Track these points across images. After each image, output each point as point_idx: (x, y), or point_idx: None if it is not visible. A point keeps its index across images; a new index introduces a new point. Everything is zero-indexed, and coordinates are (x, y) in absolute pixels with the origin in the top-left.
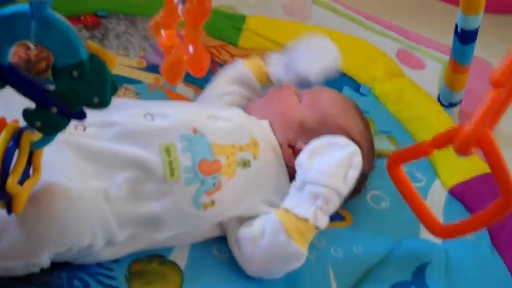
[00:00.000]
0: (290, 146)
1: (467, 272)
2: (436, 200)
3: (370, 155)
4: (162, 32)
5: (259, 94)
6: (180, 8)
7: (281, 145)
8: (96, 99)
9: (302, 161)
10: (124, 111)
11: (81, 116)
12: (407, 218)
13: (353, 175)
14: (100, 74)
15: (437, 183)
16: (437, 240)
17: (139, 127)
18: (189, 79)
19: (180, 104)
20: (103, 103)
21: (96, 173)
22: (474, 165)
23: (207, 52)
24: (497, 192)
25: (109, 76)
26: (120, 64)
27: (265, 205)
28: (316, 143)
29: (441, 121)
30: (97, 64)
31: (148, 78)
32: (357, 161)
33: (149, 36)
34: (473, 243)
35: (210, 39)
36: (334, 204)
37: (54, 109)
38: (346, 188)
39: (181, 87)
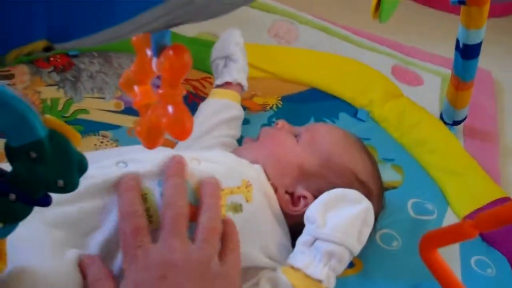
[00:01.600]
0: (287, 192)
1: None
2: None
3: (379, 195)
4: (136, 88)
5: (249, 139)
6: (154, 61)
7: (276, 191)
8: (60, 182)
9: (313, 215)
10: (95, 163)
11: (45, 202)
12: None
13: (367, 233)
14: (63, 153)
15: (449, 214)
16: None
17: (110, 176)
18: None
19: (159, 149)
20: (69, 186)
21: (69, 239)
22: (488, 191)
23: (189, 113)
24: None
25: (74, 154)
26: (95, 108)
27: (263, 255)
28: (328, 196)
29: (447, 143)
30: (59, 142)
31: (126, 121)
32: (370, 218)
33: None
34: (495, 279)
35: (192, 71)
36: (346, 264)
37: (12, 196)
38: (359, 247)
39: None
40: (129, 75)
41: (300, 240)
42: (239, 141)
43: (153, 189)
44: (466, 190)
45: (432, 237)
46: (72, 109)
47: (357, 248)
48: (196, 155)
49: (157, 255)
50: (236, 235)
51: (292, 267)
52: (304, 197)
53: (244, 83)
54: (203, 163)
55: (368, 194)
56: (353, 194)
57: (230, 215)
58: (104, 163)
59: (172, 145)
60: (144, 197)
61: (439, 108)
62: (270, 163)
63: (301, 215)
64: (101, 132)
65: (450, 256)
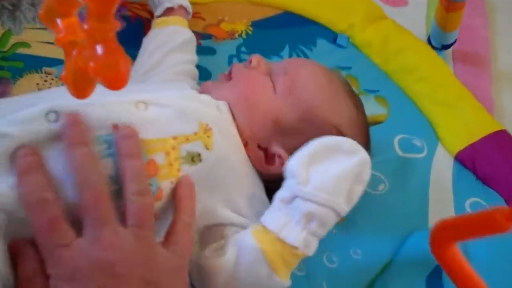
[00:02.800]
0: (260, 147)
1: (493, 272)
2: (442, 172)
3: (365, 143)
4: (59, 22)
5: (221, 75)
6: None
7: (246, 145)
8: None
9: (295, 169)
10: (17, 111)
11: None
12: (411, 202)
13: (359, 191)
14: None
15: (440, 150)
16: None
17: (38, 135)
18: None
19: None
20: None
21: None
22: (482, 123)
23: (124, 53)
24: (507, 153)
25: None
26: (38, 41)
27: (229, 210)
28: (315, 146)
29: (437, 70)
30: None
31: None
32: (366, 174)
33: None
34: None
35: None
36: (330, 227)
37: None
38: (348, 207)
39: None
40: (50, 4)
41: (278, 195)
42: (203, 73)
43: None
44: (458, 122)
45: (449, 227)
46: (11, 42)
47: (345, 210)
48: (143, 97)
49: (84, 254)
50: (191, 202)
51: (265, 228)
52: (279, 156)
53: (187, 3)
54: (151, 108)
55: None
56: (348, 143)
57: (186, 168)
58: (29, 113)
59: None
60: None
61: (426, 31)
62: (242, 109)
63: (277, 174)
64: (45, 69)
65: (442, 197)
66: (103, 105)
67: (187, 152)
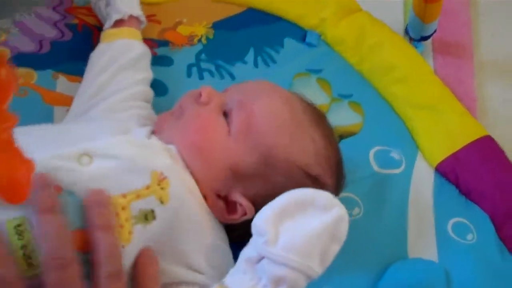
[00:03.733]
0: (219, 196)
1: None
2: (422, 189)
3: (337, 185)
4: None
5: (175, 107)
6: None
7: (205, 197)
8: None
9: (262, 226)
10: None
11: None
12: (389, 228)
13: (334, 250)
14: None
15: (420, 162)
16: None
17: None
18: (73, 70)
19: (36, 136)
20: None
21: None
22: (466, 128)
23: (24, 159)
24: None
25: None
26: None
27: (183, 268)
28: (285, 200)
29: (416, 69)
30: None
31: None
32: (342, 231)
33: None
34: (476, 247)
35: None
36: None
37: None
38: (321, 270)
39: (63, 82)
40: None
41: (244, 253)
42: (160, 88)
43: (29, 216)
44: (439, 128)
45: None
46: None
47: (317, 273)
48: (87, 147)
49: None
50: (154, 268)
51: None
52: (241, 204)
53: (138, 12)
54: (96, 161)
55: (321, 189)
56: (323, 198)
57: (139, 229)
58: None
59: (68, 102)
60: (18, 231)
61: (404, 21)
62: (194, 158)
63: (242, 224)
64: None
65: (422, 220)
66: (43, 157)
67: (140, 211)
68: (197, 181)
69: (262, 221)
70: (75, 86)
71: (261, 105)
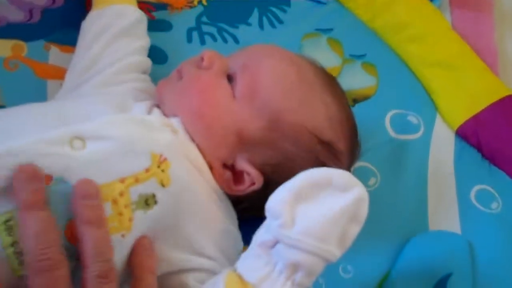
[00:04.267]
0: (225, 166)
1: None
2: (442, 155)
3: (351, 151)
4: None
5: (173, 73)
6: None
7: (211, 167)
8: None
9: (277, 208)
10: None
11: None
12: (408, 198)
13: (355, 232)
14: None
15: (439, 126)
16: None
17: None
18: (66, 39)
19: (23, 117)
20: None
21: None
22: (488, 87)
23: None
24: None
25: None
26: None
27: (186, 253)
28: (301, 181)
29: (432, 25)
30: None
31: (3, 48)
32: (363, 213)
33: None
34: (502, 216)
35: None
36: (317, 275)
37: None
38: (340, 253)
39: (56, 53)
40: None
41: (257, 237)
42: (159, 56)
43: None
44: (459, 89)
45: None
46: None
47: (336, 256)
48: (79, 130)
49: None
50: (151, 259)
51: (241, 279)
52: (248, 173)
53: None
54: (90, 144)
55: (335, 157)
56: (341, 177)
57: (140, 215)
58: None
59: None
60: (8, 226)
61: None
62: (197, 127)
63: (251, 194)
64: None
65: (443, 189)
66: (32, 143)
67: (139, 195)
68: (202, 151)
69: (277, 203)
70: (68, 56)
71: (267, 67)
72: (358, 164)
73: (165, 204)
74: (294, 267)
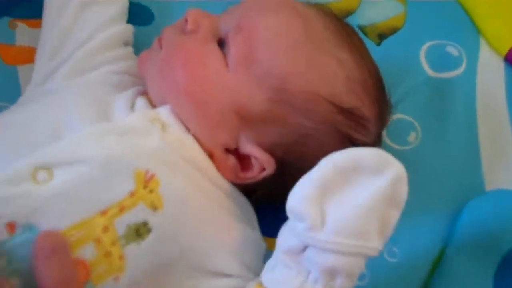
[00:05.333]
0: (228, 151)
1: None
2: (492, 87)
3: (381, 116)
4: None
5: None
6: None
7: (211, 155)
8: None
9: (301, 208)
10: None
11: None
12: (456, 152)
13: (395, 217)
14: None
15: (484, 54)
16: None
17: None
18: (33, 11)
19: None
20: None
21: None
22: None
23: None
24: None
25: None
26: None
27: (211, 277)
28: (326, 171)
29: None
30: None
31: None
32: (403, 194)
33: None
34: None
35: None
36: (359, 274)
37: None
38: (382, 245)
39: (24, 30)
40: None
41: (282, 243)
42: (145, 15)
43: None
44: (507, 4)
45: None
46: None
47: (378, 249)
48: (43, 158)
49: None
50: None
51: None
52: (256, 157)
53: None
54: (58, 173)
55: (360, 126)
56: (373, 158)
57: (132, 249)
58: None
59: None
60: None
61: None
62: (188, 111)
63: (265, 180)
64: None
65: (497, 133)
66: None
67: (128, 227)
68: (198, 139)
69: (300, 201)
70: (35, 33)
71: (265, 24)
72: (394, 116)
73: (161, 230)
74: (331, 273)
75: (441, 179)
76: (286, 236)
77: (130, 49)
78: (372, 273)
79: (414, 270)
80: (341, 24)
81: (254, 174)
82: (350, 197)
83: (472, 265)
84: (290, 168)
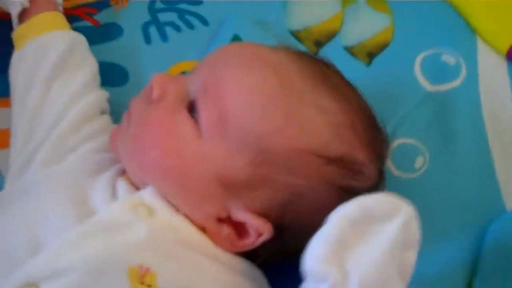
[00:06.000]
0: (221, 220)
1: None
2: (497, 91)
3: (373, 140)
4: None
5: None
6: None
7: (204, 229)
8: None
9: (321, 270)
10: None
11: None
12: (469, 172)
13: (413, 258)
14: None
15: (484, 56)
16: None
17: None
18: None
19: None
20: None
21: None
22: None
23: None
24: None
25: None
26: None
27: None
28: (337, 226)
29: None
30: None
31: None
32: (415, 233)
33: None
34: None
35: None
36: None
37: None
38: (404, 286)
39: None
40: None
41: None
42: (119, 76)
43: None
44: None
45: None
46: None
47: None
48: (28, 275)
49: None
50: None
51: None
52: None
53: None
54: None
55: (355, 173)
56: (380, 205)
57: None
58: None
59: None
60: None
61: None
62: (168, 188)
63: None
64: None
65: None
66: None
67: None
68: (187, 216)
69: (318, 262)
70: (8, 111)
71: (233, 82)
72: (397, 142)
73: None
74: None
75: (457, 204)
76: None
77: (107, 118)
78: None
79: None
80: (317, 64)
81: (252, 241)
82: (366, 248)
83: None
84: (290, 228)
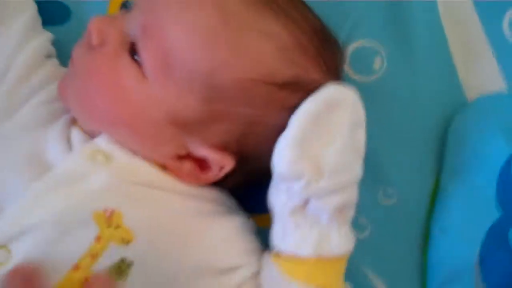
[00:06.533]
0: (181, 157)
1: None
2: None
3: (329, 58)
4: None
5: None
6: None
7: (165, 167)
8: None
9: (294, 171)
10: None
11: None
12: (428, 66)
13: (363, 137)
14: None
15: None
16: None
17: None
18: None
19: None
20: None
21: None
22: None
23: None
24: None
25: None
26: None
27: (218, 276)
28: (298, 126)
29: None
30: None
31: None
32: (361, 114)
33: None
34: None
35: None
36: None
37: None
38: (361, 167)
39: None
40: None
41: (282, 208)
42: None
43: None
44: None
45: None
46: None
47: (361, 173)
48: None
49: None
50: None
51: (295, 259)
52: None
53: None
54: (15, 248)
55: (309, 90)
56: (331, 94)
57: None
58: None
59: None
60: None
61: None
62: (122, 134)
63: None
64: None
65: (466, 33)
66: None
67: (108, 270)
68: (146, 157)
69: (290, 164)
70: None
71: (173, 20)
72: (353, 45)
73: (142, 259)
74: (340, 209)
75: (420, 102)
76: (283, 199)
77: (54, 62)
78: (372, 221)
79: (413, 208)
80: None
81: (215, 173)
82: (327, 138)
83: (467, 185)
84: (252, 156)
